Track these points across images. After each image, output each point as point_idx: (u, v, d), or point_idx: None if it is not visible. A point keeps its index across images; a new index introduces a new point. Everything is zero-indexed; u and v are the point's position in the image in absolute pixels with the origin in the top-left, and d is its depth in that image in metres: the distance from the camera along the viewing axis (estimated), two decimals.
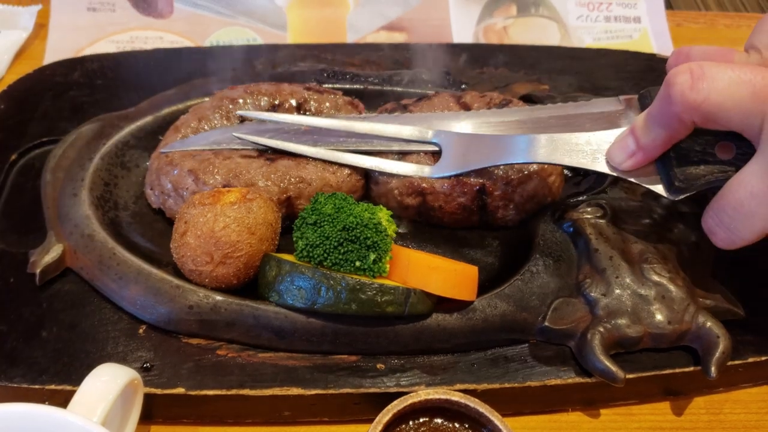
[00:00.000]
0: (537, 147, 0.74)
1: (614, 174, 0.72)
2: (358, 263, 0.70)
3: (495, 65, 1.04)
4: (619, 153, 0.71)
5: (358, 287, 0.68)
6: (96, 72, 1.01)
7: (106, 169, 0.85)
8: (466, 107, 0.88)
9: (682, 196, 0.70)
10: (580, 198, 0.83)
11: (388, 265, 0.71)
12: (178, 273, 0.74)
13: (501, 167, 0.80)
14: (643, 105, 0.75)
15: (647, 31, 1.19)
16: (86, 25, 1.15)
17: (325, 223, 0.71)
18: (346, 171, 0.82)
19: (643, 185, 0.72)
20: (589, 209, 0.80)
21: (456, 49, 1.09)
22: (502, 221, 0.82)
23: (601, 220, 0.79)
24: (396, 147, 0.83)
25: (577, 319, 0.73)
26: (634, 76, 1.04)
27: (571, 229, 0.79)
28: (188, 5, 1.18)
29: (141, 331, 0.72)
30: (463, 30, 1.18)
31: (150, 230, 0.82)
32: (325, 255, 0.70)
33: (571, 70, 1.05)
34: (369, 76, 0.99)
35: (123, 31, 1.16)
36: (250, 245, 0.72)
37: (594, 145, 0.73)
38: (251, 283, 0.74)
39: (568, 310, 0.73)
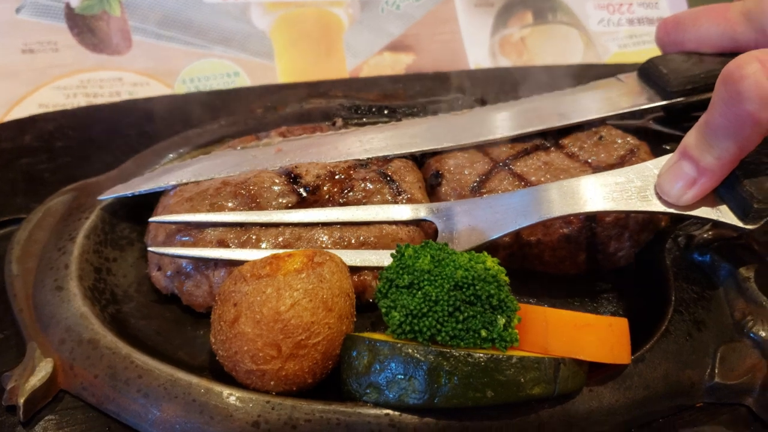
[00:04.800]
0: (571, 197, 0.59)
1: (671, 212, 0.58)
2: (484, 332, 0.52)
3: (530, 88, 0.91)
4: (674, 184, 0.57)
5: (491, 366, 0.50)
6: (53, 133, 0.80)
7: (93, 251, 0.63)
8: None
9: (762, 222, 0.57)
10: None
11: (517, 331, 0.53)
12: (222, 377, 0.54)
13: None
14: (647, 80, 0.69)
15: None
16: (22, 69, 0.92)
17: (426, 282, 0.53)
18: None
19: (711, 218, 0.58)
20: (712, 232, 0.66)
21: (479, 74, 0.96)
22: (614, 259, 0.66)
23: (738, 243, 0.64)
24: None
25: (749, 368, 0.58)
26: None
27: (708, 257, 0.64)
28: (149, 37, 0.97)
29: None
30: (477, 44, 1.02)
31: (166, 324, 0.61)
32: (438, 326, 0.51)
33: None
34: (401, 106, 0.82)
35: (70, 74, 0.93)
36: (328, 326, 0.52)
37: (638, 180, 0.59)
38: (330, 379, 0.54)
39: (736, 359, 0.58)
